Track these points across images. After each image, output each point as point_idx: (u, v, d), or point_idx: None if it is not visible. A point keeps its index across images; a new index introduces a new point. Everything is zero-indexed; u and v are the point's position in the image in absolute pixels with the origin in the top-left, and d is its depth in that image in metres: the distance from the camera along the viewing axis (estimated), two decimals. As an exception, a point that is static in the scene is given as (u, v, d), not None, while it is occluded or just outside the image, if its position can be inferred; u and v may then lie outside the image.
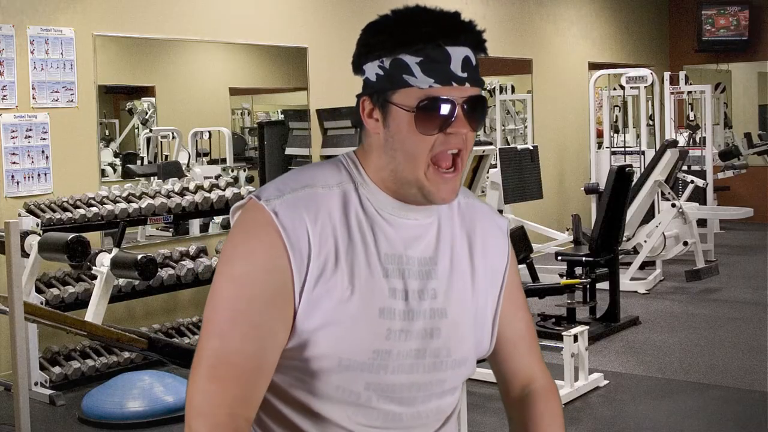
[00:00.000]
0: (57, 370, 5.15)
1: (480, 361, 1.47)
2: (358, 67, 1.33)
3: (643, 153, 8.71)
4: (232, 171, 7.46)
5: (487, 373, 4.94)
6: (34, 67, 5.51)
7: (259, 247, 1.25)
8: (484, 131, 10.29)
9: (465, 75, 1.27)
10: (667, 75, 10.07)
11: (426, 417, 1.36)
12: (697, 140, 10.43)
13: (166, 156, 7.35)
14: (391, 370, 1.30)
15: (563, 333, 4.93)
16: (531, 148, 8.26)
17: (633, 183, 6.88)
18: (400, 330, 1.30)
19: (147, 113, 7.18)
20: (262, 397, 1.27)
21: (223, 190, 5.86)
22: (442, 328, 1.33)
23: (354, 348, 1.27)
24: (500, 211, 8.22)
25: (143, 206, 5.51)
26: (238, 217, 1.31)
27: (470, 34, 1.29)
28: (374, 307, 1.28)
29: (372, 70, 1.30)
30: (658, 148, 8.12)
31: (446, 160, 1.28)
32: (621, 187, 6.42)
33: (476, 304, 1.39)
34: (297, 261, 1.25)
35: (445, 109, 1.26)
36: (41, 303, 4.93)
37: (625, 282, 7.30)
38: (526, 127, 10.30)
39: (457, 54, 1.27)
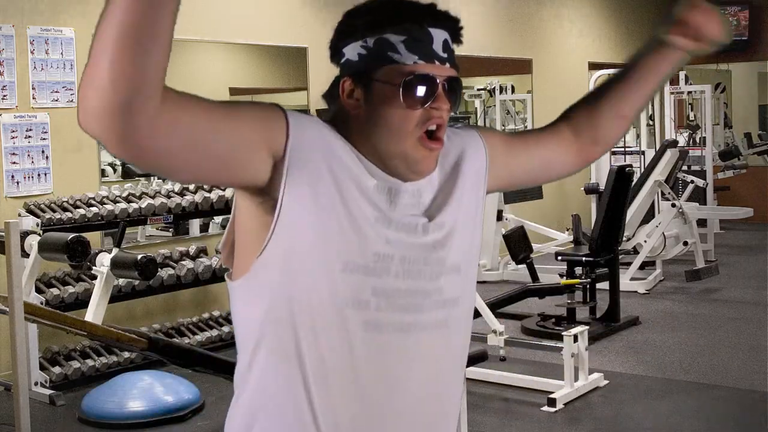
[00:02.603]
0: (57, 370, 5.15)
1: (479, 361, 1.48)
2: (336, 51, 1.39)
3: (643, 153, 8.72)
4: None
5: (487, 373, 4.98)
6: (34, 67, 5.51)
7: (267, 109, 1.29)
8: (484, 131, 10.29)
9: (446, 55, 1.35)
10: (667, 75, 10.05)
11: (431, 328, 1.37)
12: (697, 140, 10.43)
13: (166, 156, 7.34)
14: (394, 274, 1.32)
15: (563, 333, 4.93)
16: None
17: (633, 183, 6.88)
18: (398, 240, 1.33)
19: (147, 113, 7.17)
20: (188, 114, 1.19)
21: (224, 190, 5.86)
22: (439, 238, 1.38)
23: (356, 249, 1.29)
24: (500, 212, 8.24)
25: (143, 206, 5.51)
26: None
27: (448, 20, 1.36)
28: (370, 215, 1.31)
29: (354, 50, 1.35)
30: (658, 148, 8.12)
31: (431, 133, 1.34)
32: (621, 187, 6.43)
33: (467, 212, 1.44)
34: (295, 143, 1.27)
35: (430, 84, 1.32)
36: (41, 303, 4.93)
37: (625, 282, 7.30)
38: (526, 127, 10.30)
39: (438, 35, 1.34)
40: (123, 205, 5.47)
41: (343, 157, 1.32)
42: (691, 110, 10.95)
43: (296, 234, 1.28)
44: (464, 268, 1.43)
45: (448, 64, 1.35)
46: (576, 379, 4.90)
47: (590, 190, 7.95)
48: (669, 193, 7.84)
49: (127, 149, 1.12)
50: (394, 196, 1.35)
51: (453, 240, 1.39)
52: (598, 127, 1.61)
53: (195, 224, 6.62)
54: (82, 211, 5.30)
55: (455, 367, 1.45)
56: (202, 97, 1.22)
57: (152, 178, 6.90)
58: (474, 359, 3.85)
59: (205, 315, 6.08)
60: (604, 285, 6.43)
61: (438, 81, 1.33)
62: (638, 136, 9.57)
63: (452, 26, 1.37)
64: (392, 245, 1.33)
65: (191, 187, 5.87)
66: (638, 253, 7.74)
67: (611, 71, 8.04)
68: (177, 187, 5.88)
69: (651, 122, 9.52)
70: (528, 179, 1.65)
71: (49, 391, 4.95)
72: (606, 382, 5.10)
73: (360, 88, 1.34)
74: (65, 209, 5.29)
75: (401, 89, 1.31)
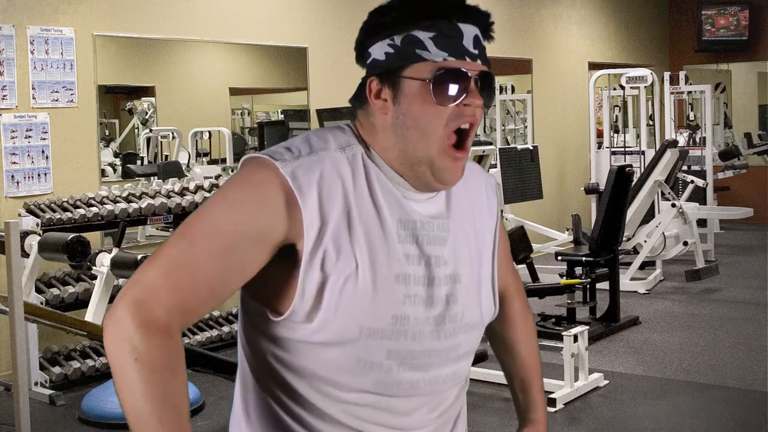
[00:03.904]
0: (57, 370, 5.15)
1: (479, 361, 1.49)
2: (362, 51, 1.32)
3: (643, 153, 8.71)
4: (232, 171, 7.46)
5: (487, 373, 4.97)
6: (34, 67, 5.51)
7: (263, 192, 1.23)
8: (484, 131, 10.30)
9: (476, 52, 1.28)
10: (667, 75, 10.07)
11: (443, 383, 1.35)
12: (697, 140, 10.43)
13: (166, 156, 7.35)
14: (411, 336, 1.28)
15: (563, 333, 4.93)
16: (531, 148, 8.27)
17: (633, 183, 6.88)
18: (416, 295, 1.29)
19: (147, 113, 7.18)
20: (202, 315, 1.24)
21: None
22: (458, 293, 1.34)
23: (373, 314, 1.24)
24: (500, 212, 8.22)
25: (143, 206, 5.51)
26: (245, 170, 1.27)
27: (479, 15, 1.30)
28: (391, 272, 1.26)
29: (381, 49, 1.29)
30: (658, 148, 8.12)
31: (460, 138, 1.29)
32: (621, 187, 6.43)
33: (479, 265, 1.40)
34: (307, 220, 1.22)
35: (461, 79, 1.26)
36: (41, 303, 4.93)
37: (625, 282, 7.30)
38: (526, 127, 10.30)
39: (468, 31, 1.28)
40: (123, 205, 5.47)
41: (362, 200, 1.26)
42: (691, 110, 10.95)
43: (319, 301, 1.23)
44: (480, 325, 1.41)
45: (479, 61, 1.28)
46: (576, 379, 4.90)
47: (590, 190, 7.95)
48: (669, 193, 7.84)
49: None
50: (418, 228, 1.31)
51: (467, 294, 1.36)
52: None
53: (195, 224, 6.61)
54: (82, 211, 5.30)
55: (460, 393, 1.44)
56: (203, 278, 1.20)
57: (152, 178, 6.90)
58: (474, 359, 3.85)
59: (205, 315, 6.08)
60: (604, 285, 6.43)
61: (470, 75, 1.27)
62: (638, 136, 9.57)
63: (483, 21, 1.30)
64: (410, 301, 1.28)
65: (191, 186, 5.87)
66: (638, 253, 7.74)
67: (611, 71, 8.03)
68: (177, 187, 5.89)
69: (651, 122, 9.52)
70: None
71: (49, 391, 4.95)
72: (606, 382, 5.10)
73: (388, 87, 1.28)
74: (65, 209, 5.29)
75: (431, 84, 1.25)
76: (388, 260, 1.26)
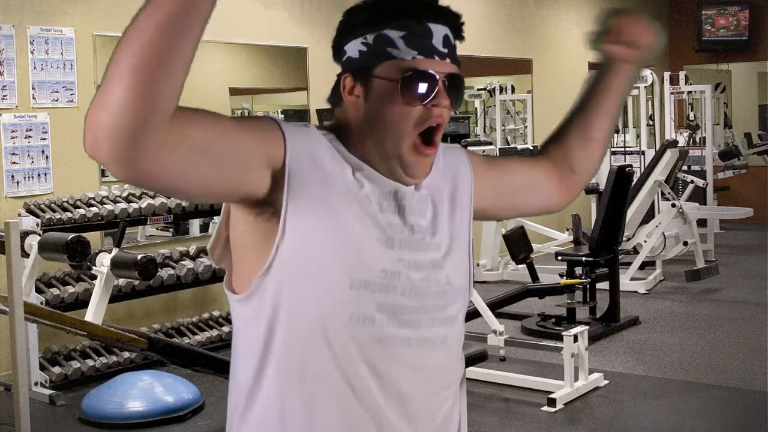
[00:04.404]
0: (57, 370, 5.15)
1: (479, 361, 1.49)
2: (338, 49, 1.39)
3: (643, 153, 8.71)
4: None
5: (486, 373, 4.98)
6: (34, 67, 5.51)
7: (263, 121, 1.28)
8: (484, 131, 10.30)
9: (446, 51, 1.33)
10: (667, 75, 10.06)
11: (431, 345, 1.37)
12: (697, 140, 10.42)
13: (166, 156, 7.34)
14: (401, 291, 1.31)
15: (563, 333, 4.93)
16: (531, 148, 8.26)
17: (633, 183, 6.88)
18: (403, 259, 1.32)
19: (147, 113, 7.17)
20: (191, 132, 1.16)
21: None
22: (442, 260, 1.37)
23: (363, 267, 1.28)
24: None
25: (143, 206, 5.51)
26: None
27: (449, 15, 1.35)
28: (377, 235, 1.30)
29: (354, 47, 1.35)
30: (658, 148, 8.12)
31: (428, 134, 1.33)
32: (621, 187, 6.43)
33: (461, 233, 1.44)
34: (294, 156, 1.26)
35: (429, 81, 1.30)
36: (41, 303, 4.93)
37: (625, 282, 7.30)
38: (526, 127, 10.30)
39: (438, 31, 1.33)
40: (123, 205, 5.47)
41: (343, 171, 1.31)
42: (691, 110, 10.95)
43: (302, 252, 1.26)
44: (465, 289, 1.43)
45: (448, 60, 1.33)
46: (576, 379, 4.90)
47: (590, 190, 7.95)
48: (669, 193, 7.84)
49: (136, 171, 1.10)
50: (401, 199, 1.35)
51: (450, 261, 1.39)
52: (572, 156, 1.62)
53: (195, 224, 6.62)
54: (82, 211, 5.30)
55: (453, 383, 1.44)
56: (197, 108, 1.20)
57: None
58: (474, 359, 3.85)
59: (205, 315, 6.08)
60: (604, 285, 6.43)
61: (438, 78, 1.31)
62: (638, 136, 9.57)
63: (453, 22, 1.35)
64: (399, 262, 1.32)
65: (191, 187, 5.87)
66: (638, 253, 7.74)
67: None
68: (177, 187, 5.88)
69: (651, 122, 9.52)
70: (513, 203, 1.61)
71: (49, 391, 4.95)
72: (606, 382, 5.10)
73: (360, 84, 1.33)
74: (65, 209, 5.29)
75: (400, 85, 1.30)
76: (373, 225, 1.30)
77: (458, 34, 1.36)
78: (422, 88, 1.30)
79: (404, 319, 1.32)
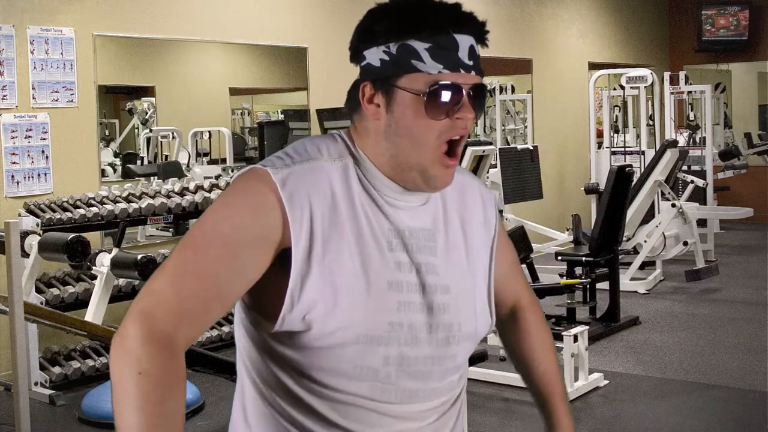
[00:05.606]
0: (57, 370, 5.15)
1: (479, 361, 1.50)
2: (357, 53, 1.33)
3: (643, 153, 8.71)
4: (232, 171, 7.45)
5: (486, 373, 4.98)
6: (34, 67, 5.51)
7: (259, 199, 1.25)
8: (484, 131, 10.30)
9: (471, 63, 1.29)
10: (667, 75, 10.07)
11: (440, 393, 1.36)
12: (697, 140, 10.43)
13: (166, 156, 7.35)
14: (405, 342, 1.29)
15: (563, 333, 4.93)
16: (531, 148, 8.26)
17: (633, 183, 6.88)
18: (410, 302, 1.30)
19: (147, 113, 7.18)
20: (207, 327, 1.24)
21: (223, 190, 5.86)
22: (449, 303, 1.35)
23: (369, 321, 1.26)
24: (500, 212, 8.23)
25: (143, 206, 5.51)
26: (239, 179, 1.29)
27: (475, 24, 1.31)
28: (383, 280, 1.28)
29: (375, 55, 1.29)
30: (658, 148, 8.12)
31: (451, 147, 1.30)
32: (621, 187, 6.43)
33: (473, 278, 1.41)
34: (296, 227, 1.24)
35: (455, 94, 1.27)
36: (41, 303, 4.93)
37: (625, 282, 7.30)
38: (526, 127, 10.30)
39: (464, 42, 1.29)
40: (123, 205, 5.47)
41: (352, 211, 1.28)
42: (691, 110, 10.95)
43: (314, 310, 1.24)
44: (480, 333, 1.42)
45: (473, 72, 1.29)
46: (576, 379, 4.90)
47: (590, 190, 7.96)
48: (669, 193, 7.84)
49: None
50: (408, 238, 1.32)
51: (459, 304, 1.36)
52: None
53: (195, 224, 6.61)
54: (82, 211, 5.30)
55: (460, 394, 1.45)
56: (199, 283, 1.22)
57: (152, 178, 6.91)
58: (474, 359, 3.85)
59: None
60: (604, 285, 6.43)
61: (464, 90, 1.28)
62: (638, 136, 9.57)
63: (478, 29, 1.31)
64: (403, 311, 1.29)
65: (191, 187, 5.87)
66: (638, 253, 7.74)
67: (611, 71, 8.02)
68: (177, 187, 5.88)
69: (651, 122, 9.52)
70: None
71: (49, 391, 4.95)
72: (606, 382, 5.10)
73: (381, 94, 1.29)
74: (65, 209, 5.29)
75: (425, 99, 1.26)
76: (380, 267, 1.28)
77: (482, 41, 1.33)
78: (448, 100, 1.26)
79: (412, 372, 1.31)
